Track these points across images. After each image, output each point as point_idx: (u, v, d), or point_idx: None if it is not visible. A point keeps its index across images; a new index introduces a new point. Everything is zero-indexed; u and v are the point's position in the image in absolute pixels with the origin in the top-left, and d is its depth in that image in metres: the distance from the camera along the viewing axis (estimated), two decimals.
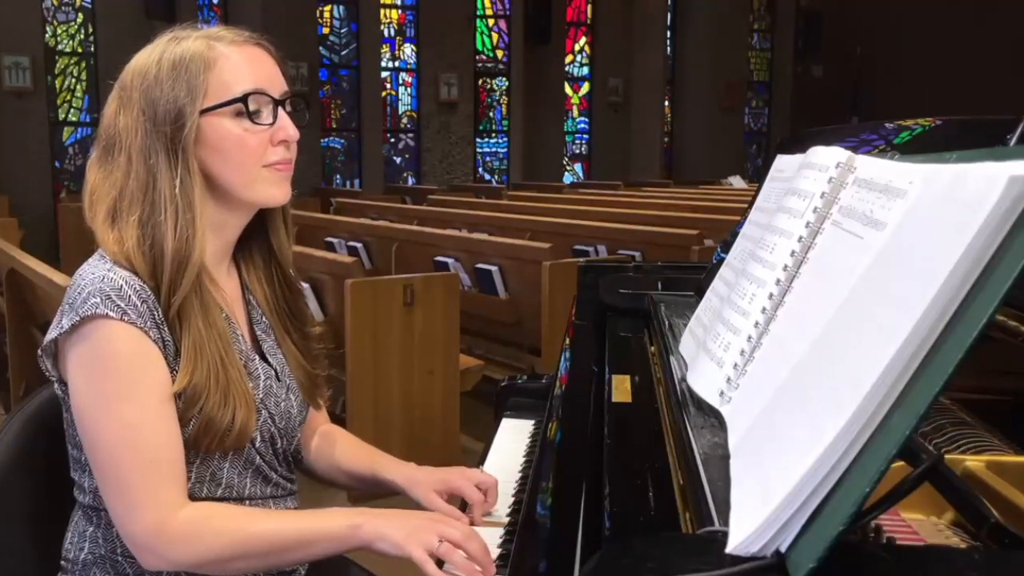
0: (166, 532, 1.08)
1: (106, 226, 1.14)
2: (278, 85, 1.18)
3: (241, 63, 1.16)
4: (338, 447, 1.40)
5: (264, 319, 1.29)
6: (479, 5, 12.85)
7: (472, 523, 1.22)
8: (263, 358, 1.26)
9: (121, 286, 1.09)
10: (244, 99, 1.14)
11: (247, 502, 1.22)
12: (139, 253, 1.11)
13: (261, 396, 1.21)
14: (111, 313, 1.07)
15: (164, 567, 1.11)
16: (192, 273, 1.12)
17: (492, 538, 1.19)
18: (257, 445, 1.21)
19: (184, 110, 1.12)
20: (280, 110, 1.17)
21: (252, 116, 1.15)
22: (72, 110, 10.41)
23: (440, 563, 1.06)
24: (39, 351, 1.15)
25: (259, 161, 1.16)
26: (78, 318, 1.08)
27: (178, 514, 1.09)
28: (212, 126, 1.14)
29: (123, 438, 1.08)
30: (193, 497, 1.15)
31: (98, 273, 1.10)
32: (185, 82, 1.13)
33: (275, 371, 1.26)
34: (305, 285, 3.63)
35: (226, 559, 1.10)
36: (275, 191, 1.19)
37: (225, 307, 1.22)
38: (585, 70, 14.13)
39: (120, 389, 1.08)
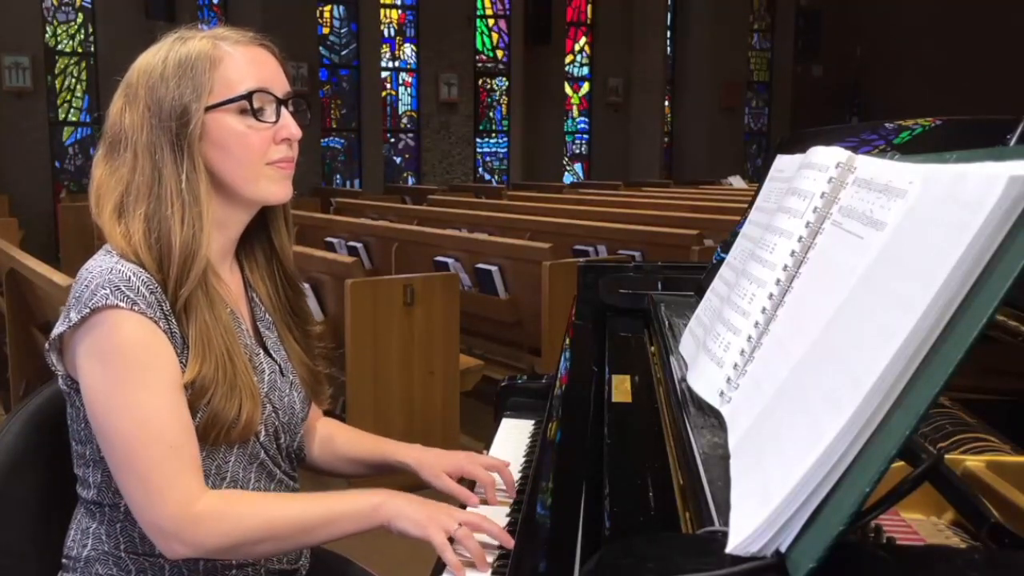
0: (192, 517, 1.09)
1: (113, 221, 1.15)
2: (281, 85, 1.21)
3: (245, 62, 1.18)
4: (339, 437, 1.44)
5: (267, 315, 1.32)
6: (479, 5, 12.85)
7: (488, 503, 1.28)
8: (267, 353, 1.28)
9: (129, 277, 1.10)
10: (248, 97, 1.16)
11: None
12: (145, 246, 1.13)
13: (266, 390, 1.23)
14: (120, 303, 1.08)
15: (189, 553, 1.11)
16: (200, 267, 1.14)
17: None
18: (262, 439, 1.22)
19: (189, 107, 1.14)
20: (283, 109, 1.20)
21: (256, 114, 1.17)
22: (72, 110, 10.41)
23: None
24: (46, 345, 1.16)
25: (262, 158, 1.18)
26: (87, 310, 1.08)
27: (201, 500, 1.10)
28: (216, 123, 1.16)
29: (140, 427, 1.09)
30: None
31: (105, 266, 1.11)
32: (191, 80, 1.15)
33: (279, 366, 1.28)
34: (305, 285, 3.63)
35: (252, 542, 1.12)
36: (276, 188, 1.21)
37: (229, 302, 1.23)
38: (585, 70, 14.12)
39: (134, 378, 1.09)
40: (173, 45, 1.18)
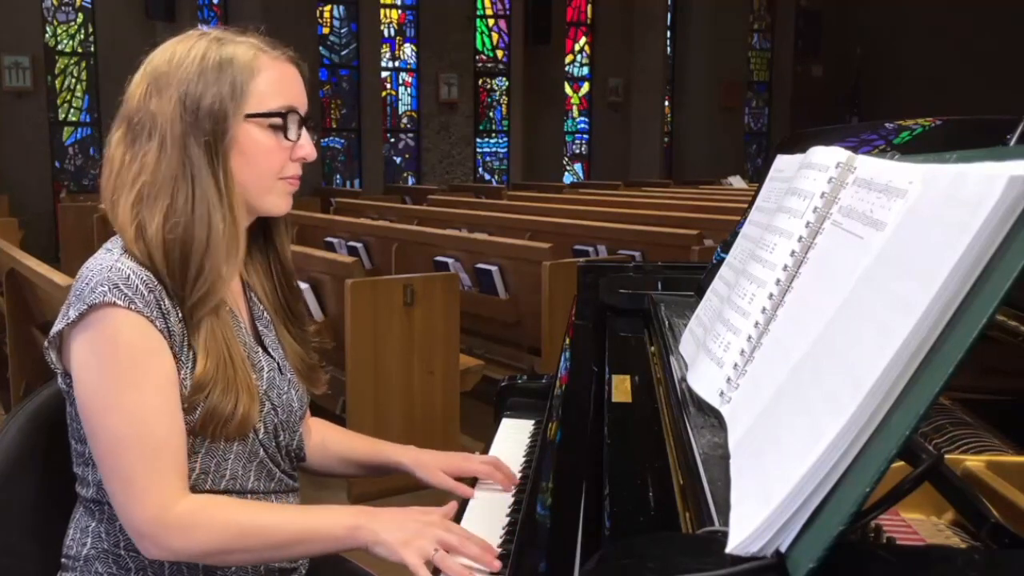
0: (167, 521, 1.09)
1: (128, 211, 1.15)
2: (304, 104, 1.23)
3: (279, 78, 1.20)
4: (332, 439, 1.45)
5: (265, 314, 1.32)
6: (479, 5, 12.85)
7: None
8: (265, 351, 1.29)
9: (128, 275, 1.10)
10: (284, 115, 1.18)
11: (250, 495, 1.23)
12: (159, 240, 1.13)
13: (264, 388, 1.23)
14: (118, 301, 1.08)
15: (164, 556, 1.12)
16: (219, 271, 1.14)
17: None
18: (261, 437, 1.22)
19: (228, 113, 1.15)
20: (304, 129, 1.22)
21: (284, 131, 1.19)
22: (72, 110, 10.41)
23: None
24: (45, 342, 1.17)
25: (277, 173, 1.21)
26: (85, 307, 1.09)
27: (179, 504, 1.10)
28: (245, 133, 1.17)
29: (127, 427, 1.09)
30: (197, 489, 1.17)
31: (106, 264, 1.12)
32: (230, 84, 1.15)
33: (277, 364, 1.29)
34: (305, 285, 3.64)
35: (226, 551, 1.12)
36: (281, 202, 1.24)
37: (228, 301, 1.24)
38: (585, 70, 14.12)
39: (126, 377, 1.09)
40: (211, 44, 1.17)
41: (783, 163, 1.17)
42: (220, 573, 1.21)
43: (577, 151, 14.35)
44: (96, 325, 1.09)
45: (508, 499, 1.32)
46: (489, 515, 1.26)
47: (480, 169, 13.31)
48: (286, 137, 1.19)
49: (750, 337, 0.93)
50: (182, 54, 1.17)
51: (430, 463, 1.38)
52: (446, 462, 1.38)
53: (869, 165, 0.85)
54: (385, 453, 1.42)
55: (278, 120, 1.18)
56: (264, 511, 1.18)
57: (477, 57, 12.92)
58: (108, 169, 1.18)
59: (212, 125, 1.14)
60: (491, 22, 13.08)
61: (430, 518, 1.12)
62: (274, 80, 1.19)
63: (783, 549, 0.62)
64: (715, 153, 14.40)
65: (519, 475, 1.41)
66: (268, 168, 1.19)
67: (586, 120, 14.28)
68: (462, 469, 1.37)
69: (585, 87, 14.17)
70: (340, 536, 1.12)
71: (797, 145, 1.15)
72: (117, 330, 1.09)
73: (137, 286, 1.10)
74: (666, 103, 14.58)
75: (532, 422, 1.63)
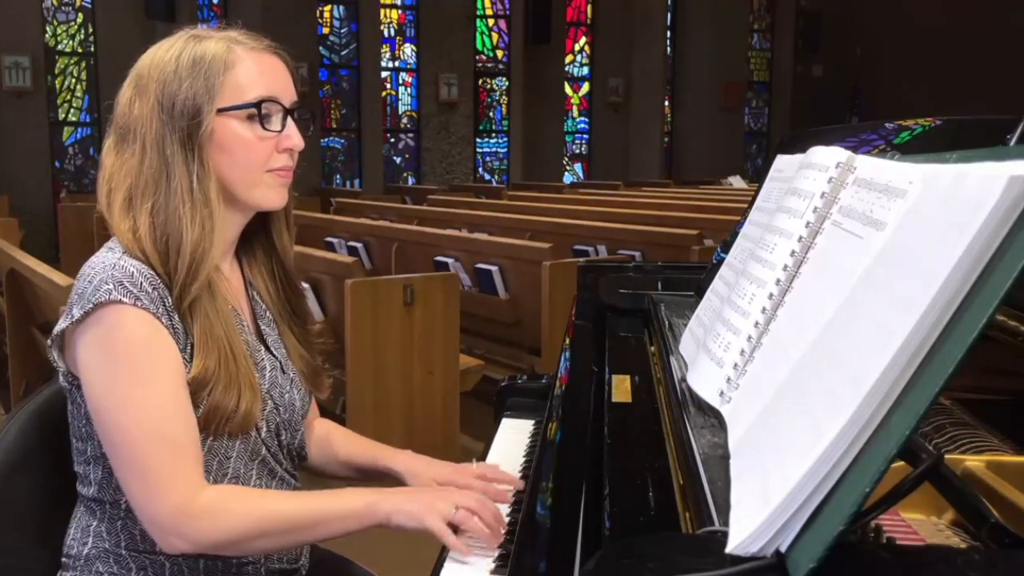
0: (190, 513, 1.09)
1: (122, 213, 1.16)
2: (289, 95, 1.22)
3: (257, 69, 1.19)
4: (335, 439, 1.44)
5: (268, 313, 1.33)
6: (479, 5, 12.84)
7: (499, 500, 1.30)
8: (268, 350, 1.29)
9: (133, 273, 1.11)
10: (258, 105, 1.17)
11: None
12: (150, 241, 1.14)
13: (267, 386, 1.24)
14: (124, 299, 1.09)
15: (187, 548, 1.12)
16: (209, 266, 1.15)
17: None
18: (263, 435, 1.23)
19: (201, 108, 1.15)
20: (289, 119, 1.21)
21: (263, 122, 1.18)
22: (72, 110, 10.40)
23: (454, 532, 1.11)
24: (48, 341, 1.17)
25: (263, 165, 1.20)
26: (91, 305, 1.09)
27: (200, 495, 1.11)
28: (223, 126, 1.16)
29: (142, 423, 1.09)
30: None
31: (108, 262, 1.12)
32: (203, 80, 1.15)
33: (280, 363, 1.29)
34: (305, 285, 3.64)
35: (249, 538, 1.12)
36: (273, 195, 1.22)
37: (231, 299, 1.24)
38: (585, 70, 14.12)
39: (137, 374, 1.10)
40: (188, 43, 1.18)
41: (783, 163, 1.17)
42: (222, 572, 1.21)
43: (577, 151, 14.34)
44: (103, 323, 1.09)
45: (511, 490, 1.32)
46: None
47: (480, 169, 13.30)
48: (265, 128, 1.18)
49: (750, 337, 0.93)
50: (160, 56, 1.18)
51: (422, 472, 1.35)
52: (439, 472, 1.35)
53: (869, 165, 0.85)
54: (380, 457, 1.41)
55: (252, 110, 1.17)
56: (283, 497, 1.20)
57: (477, 57, 12.92)
58: (101, 175, 1.19)
59: (186, 122, 1.15)
60: (491, 22, 13.07)
61: (443, 487, 1.17)
62: (250, 71, 1.18)
63: (783, 549, 0.62)
64: (715, 153, 14.39)
65: (519, 475, 1.41)
66: (251, 161, 1.18)
67: (586, 120, 14.28)
68: (452, 482, 1.33)
69: (585, 87, 14.17)
70: (360, 512, 1.13)
71: (797, 145, 1.15)
72: (125, 327, 1.09)
73: (142, 283, 1.10)
74: (666, 103, 14.58)
75: (532, 422, 1.63)
